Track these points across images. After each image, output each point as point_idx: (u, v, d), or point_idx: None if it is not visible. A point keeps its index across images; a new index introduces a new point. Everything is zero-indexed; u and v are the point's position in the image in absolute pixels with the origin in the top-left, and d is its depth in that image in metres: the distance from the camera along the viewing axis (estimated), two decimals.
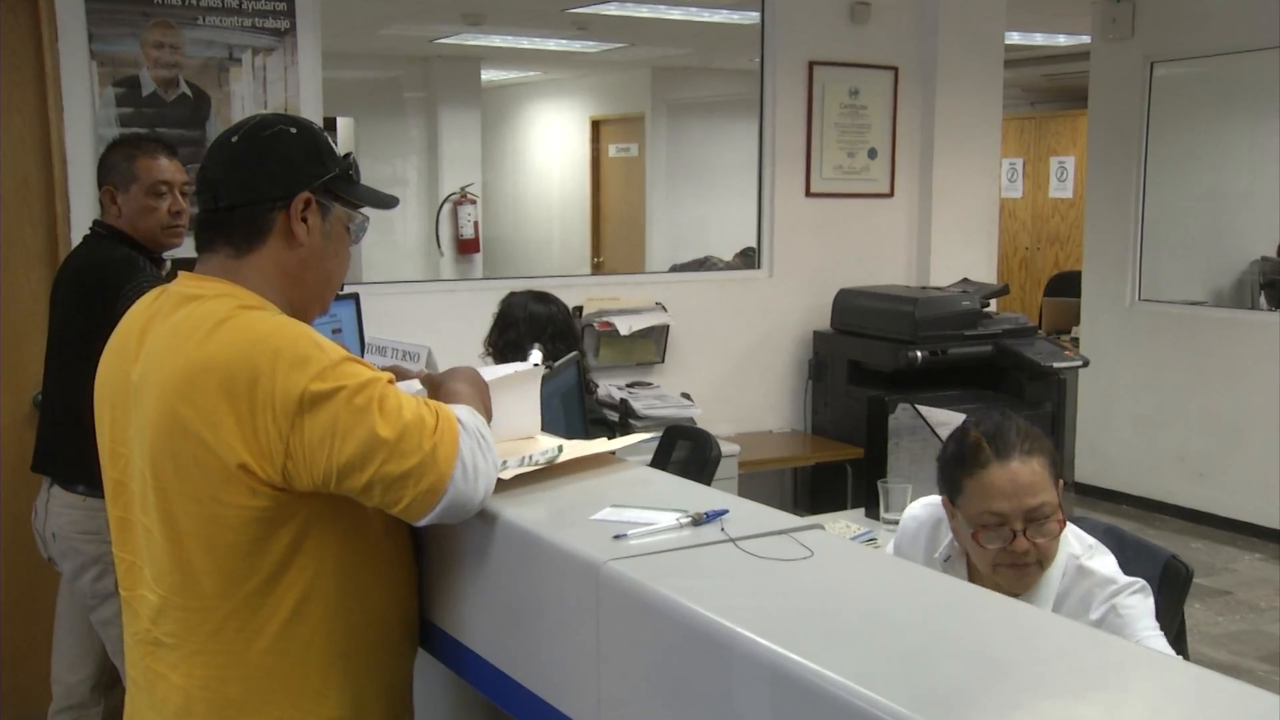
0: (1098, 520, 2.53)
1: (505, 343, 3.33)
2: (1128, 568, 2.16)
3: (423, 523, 1.57)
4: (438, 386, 1.76)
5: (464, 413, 1.61)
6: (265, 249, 1.65)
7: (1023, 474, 2.02)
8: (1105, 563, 2.11)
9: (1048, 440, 2.11)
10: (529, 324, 3.36)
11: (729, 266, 7.14)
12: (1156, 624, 2.05)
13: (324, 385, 1.51)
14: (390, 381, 1.58)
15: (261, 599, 1.58)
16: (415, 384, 1.81)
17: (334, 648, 1.64)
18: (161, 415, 1.56)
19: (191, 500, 1.55)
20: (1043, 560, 2.04)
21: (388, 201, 1.80)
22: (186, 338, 1.57)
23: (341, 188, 1.70)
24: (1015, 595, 2.01)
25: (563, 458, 1.82)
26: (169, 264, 3.00)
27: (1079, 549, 2.11)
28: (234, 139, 1.68)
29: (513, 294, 3.55)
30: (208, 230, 1.67)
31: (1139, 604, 2.04)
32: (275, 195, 1.64)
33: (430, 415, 1.55)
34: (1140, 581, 2.08)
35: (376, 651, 1.70)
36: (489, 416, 1.78)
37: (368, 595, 1.67)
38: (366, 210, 1.76)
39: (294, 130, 1.69)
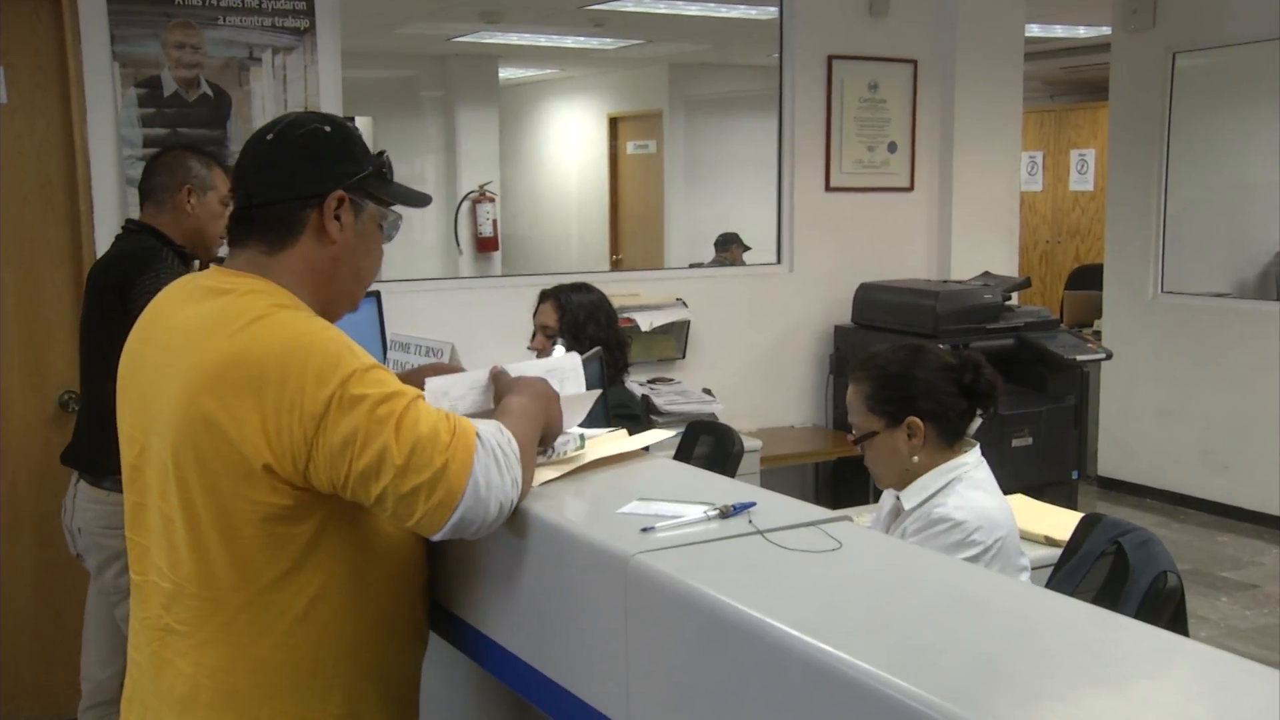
0: (1127, 521, 2.47)
1: (588, 339, 3.45)
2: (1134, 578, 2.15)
3: (438, 537, 1.57)
4: (500, 395, 1.78)
5: (488, 429, 1.59)
6: (298, 246, 1.65)
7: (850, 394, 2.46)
8: (947, 514, 2.30)
9: (886, 371, 2.39)
10: (600, 310, 3.56)
11: (716, 262, 7.16)
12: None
13: (352, 391, 1.51)
14: (417, 397, 1.57)
15: (275, 594, 1.58)
16: (484, 374, 1.82)
17: (343, 646, 1.64)
18: (186, 406, 1.55)
19: (211, 492, 1.56)
20: (872, 467, 2.44)
21: (421, 200, 1.80)
22: (217, 330, 1.57)
23: (375, 186, 1.71)
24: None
25: (589, 457, 1.82)
26: (196, 264, 3.04)
27: (952, 511, 2.29)
28: (269, 137, 1.68)
29: (560, 291, 3.57)
30: (241, 226, 1.68)
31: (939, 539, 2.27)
32: (309, 193, 1.65)
33: (447, 431, 1.54)
34: (952, 521, 2.26)
35: (384, 651, 1.70)
36: (554, 430, 1.78)
37: (379, 596, 1.68)
38: (398, 208, 1.77)
39: (328, 129, 1.69)
